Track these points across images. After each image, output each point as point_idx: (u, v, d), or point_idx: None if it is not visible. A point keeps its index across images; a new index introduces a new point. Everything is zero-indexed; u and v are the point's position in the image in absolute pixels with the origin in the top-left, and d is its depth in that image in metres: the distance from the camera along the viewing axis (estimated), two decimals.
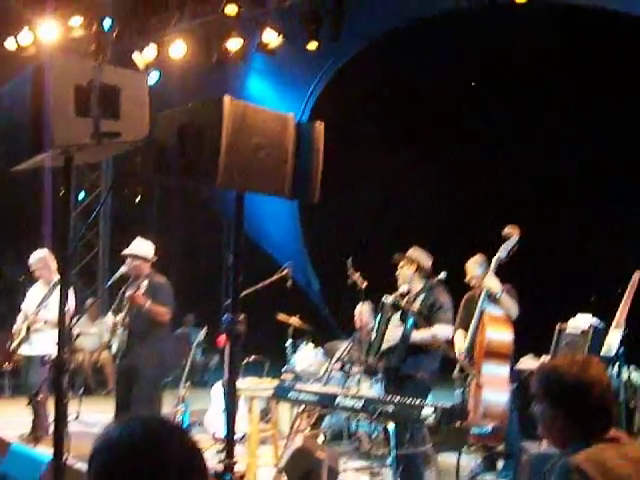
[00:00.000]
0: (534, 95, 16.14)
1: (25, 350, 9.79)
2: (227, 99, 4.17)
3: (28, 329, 9.70)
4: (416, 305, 7.73)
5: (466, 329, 8.21)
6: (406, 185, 16.44)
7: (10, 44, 12.88)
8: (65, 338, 4.34)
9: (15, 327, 9.92)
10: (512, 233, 8.07)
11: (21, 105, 4.19)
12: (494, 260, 8.15)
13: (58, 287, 4.45)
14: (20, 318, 9.94)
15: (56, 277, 9.45)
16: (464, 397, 7.12)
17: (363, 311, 9.46)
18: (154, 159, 4.46)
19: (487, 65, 16.45)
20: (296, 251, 18.00)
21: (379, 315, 7.92)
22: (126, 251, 8.88)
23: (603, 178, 15.96)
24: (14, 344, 9.84)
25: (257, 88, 15.80)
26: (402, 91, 16.89)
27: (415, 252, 8.05)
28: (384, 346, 7.71)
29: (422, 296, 7.85)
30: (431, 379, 7.78)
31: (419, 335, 7.59)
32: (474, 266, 8.69)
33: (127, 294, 8.68)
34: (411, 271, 7.97)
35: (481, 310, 8.05)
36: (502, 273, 8.26)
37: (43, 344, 9.43)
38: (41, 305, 9.67)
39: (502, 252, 8.08)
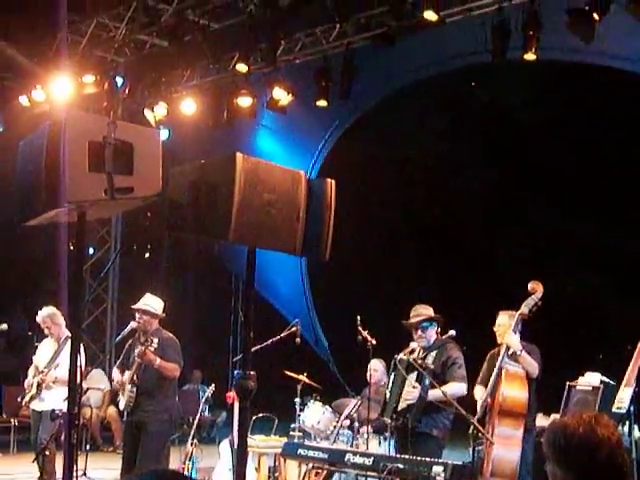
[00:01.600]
0: (558, 154, 16.24)
1: (36, 405, 9.72)
2: (240, 156, 4.19)
3: (39, 385, 9.65)
4: (429, 362, 7.67)
5: (487, 385, 8.10)
6: (415, 241, 16.48)
7: (23, 100, 13.08)
8: (75, 394, 4.33)
9: (27, 381, 9.87)
10: (536, 289, 8.00)
11: (36, 160, 4.23)
12: (515, 316, 8.05)
13: (68, 343, 4.45)
14: (31, 372, 9.90)
15: (66, 333, 9.45)
16: (477, 454, 7.02)
17: (376, 367, 9.43)
18: (166, 215, 4.48)
19: (495, 120, 16.60)
20: (304, 308, 17.97)
21: (393, 374, 7.87)
22: (136, 305, 8.86)
23: (611, 237, 16.01)
24: (26, 398, 9.78)
25: (266, 145, 15.91)
26: (410, 149, 17.00)
27: (429, 310, 8.01)
28: (402, 405, 7.63)
29: (434, 353, 7.81)
30: (444, 436, 7.73)
31: (435, 394, 7.52)
32: (504, 315, 8.51)
33: (136, 351, 8.62)
34: (435, 328, 7.93)
35: (500, 367, 7.95)
36: (526, 332, 8.17)
37: (54, 399, 9.38)
38: (52, 363, 9.63)
39: (524, 308, 7.99)
